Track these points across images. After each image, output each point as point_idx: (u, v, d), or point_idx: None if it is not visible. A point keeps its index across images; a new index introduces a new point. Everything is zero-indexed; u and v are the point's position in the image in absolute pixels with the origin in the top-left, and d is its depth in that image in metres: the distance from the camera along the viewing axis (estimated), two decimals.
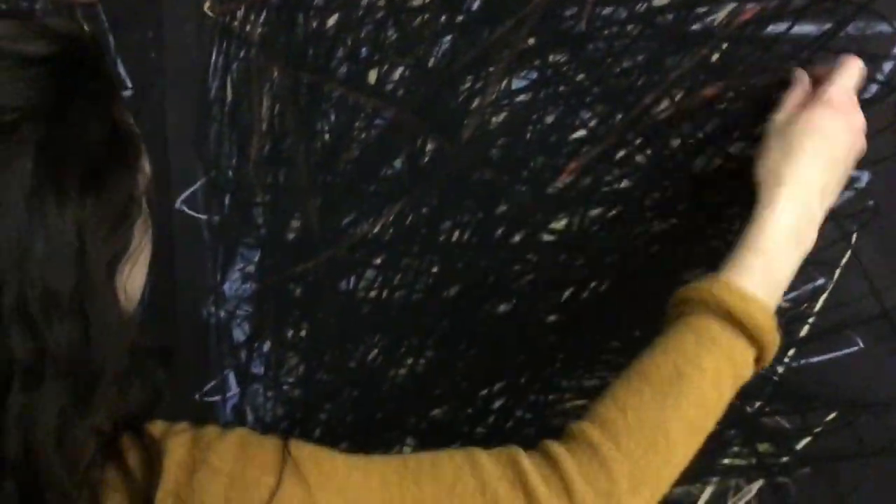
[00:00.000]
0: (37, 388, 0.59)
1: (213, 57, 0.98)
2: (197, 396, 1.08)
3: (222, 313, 1.06)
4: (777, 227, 0.72)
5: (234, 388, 1.08)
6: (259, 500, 0.63)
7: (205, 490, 0.63)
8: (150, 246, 0.72)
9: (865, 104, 0.80)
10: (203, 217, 1.03)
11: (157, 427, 0.66)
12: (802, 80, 0.78)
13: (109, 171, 0.64)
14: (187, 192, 1.02)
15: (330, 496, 0.64)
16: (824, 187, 0.74)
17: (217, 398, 1.08)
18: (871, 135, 0.81)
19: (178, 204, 1.02)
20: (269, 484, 0.63)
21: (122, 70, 0.99)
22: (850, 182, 0.83)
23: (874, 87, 0.81)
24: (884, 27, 0.80)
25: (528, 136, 0.91)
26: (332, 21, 0.93)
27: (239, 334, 1.07)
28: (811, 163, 0.73)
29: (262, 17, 0.95)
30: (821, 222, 0.74)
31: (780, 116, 0.76)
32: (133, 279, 0.68)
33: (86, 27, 0.97)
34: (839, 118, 0.74)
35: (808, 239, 0.73)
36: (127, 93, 1.00)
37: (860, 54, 0.80)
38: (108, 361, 0.62)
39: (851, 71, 0.76)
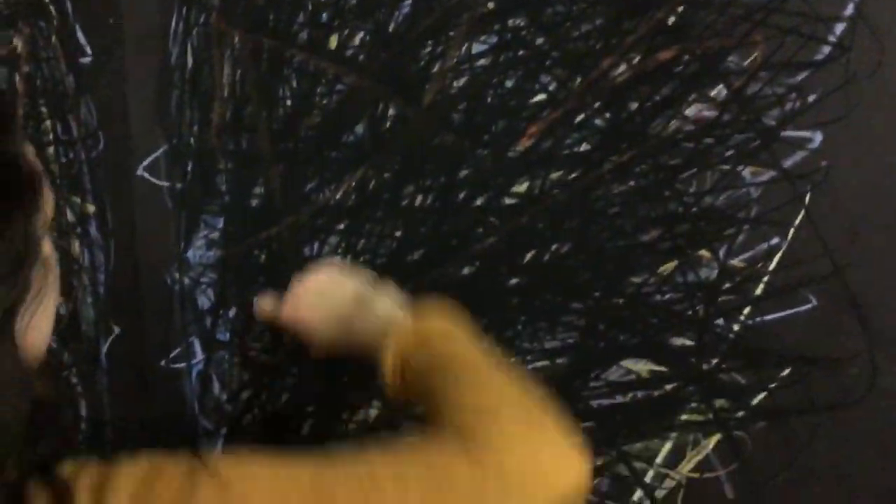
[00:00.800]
0: None
1: (174, 23, 0.97)
2: (163, 363, 1.08)
3: (186, 280, 1.06)
4: None
5: (199, 355, 1.08)
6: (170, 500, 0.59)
7: None
8: (56, 294, 0.67)
9: (817, 65, 0.82)
10: (165, 184, 1.03)
11: (65, 467, 0.61)
12: None
13: (1, 215, 0.59)
14: (149, 160, 1.02)
15: (248, 488, 0.60)
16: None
17: (183, 365, 1.08)
18: (823, 96, 0.83)
19: (139, 171, 1.02)
20: (177, 487, 0.59)
21: (81, 37, 0.99)
22: (803, 143, 0.84)
23: (826, 49, 0.83)
24: None
25: (489, 100, 0.92)
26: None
27: (204, 301, 1.07)
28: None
29: None
30: None
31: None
32: (35, 328, 0.63)
33: None
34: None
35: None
36: (86, 60, 0.99)
37: (813, 15, 0.82)
38: (8, 418, 0.59)
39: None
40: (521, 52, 0.90)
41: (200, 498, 0.59)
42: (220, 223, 1.04)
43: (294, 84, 0.96)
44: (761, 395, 0.91)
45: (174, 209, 1.04)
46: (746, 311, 0.90)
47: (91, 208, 1.04)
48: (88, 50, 0.99)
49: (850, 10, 0.81)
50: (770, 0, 0.83)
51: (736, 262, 0.89)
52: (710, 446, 0.94)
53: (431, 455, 0.64)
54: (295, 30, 0.94)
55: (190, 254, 1.06)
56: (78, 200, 1.03)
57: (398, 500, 0.61)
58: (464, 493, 0.63)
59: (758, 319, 0.90)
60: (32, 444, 0.60)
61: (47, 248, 0.64)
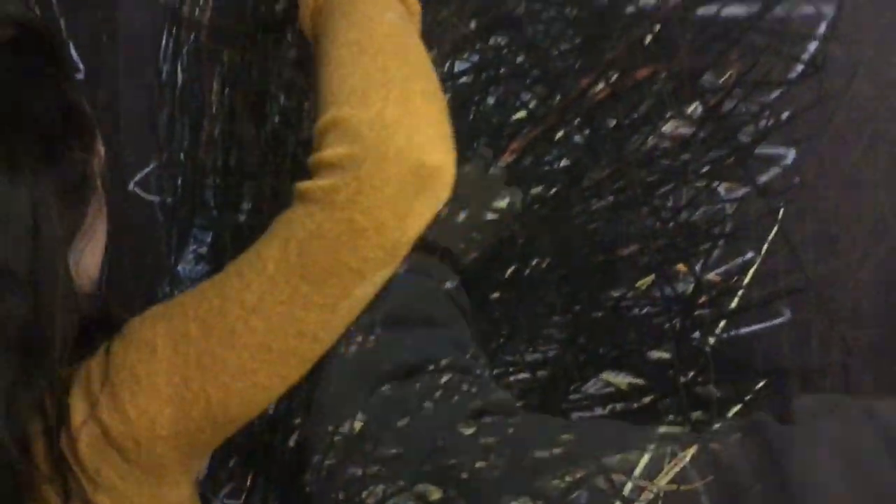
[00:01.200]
0: None
1: (164, 41, 0.99)
2: None
3: (176, 294, 1.08)
4: None
5: None
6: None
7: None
8: (105, 226, 0.74)
9: (790, 83, 0.84)
10: (156, 199, 1.04)
11: (63, 371, 0.67)
12: None
13: (63, 149, 0.66)
14: (140, 175, 1.04)
15: (146, 332, 0.66)
16: None
17: None
18: (797, 113, 0.84)
19: (131, 186, 1.04)
20: (99, 356, 0.66)
21: (73, 54, 1.01)
22: (777, 159, 0.86)
23: (799, 67, 0.84)
24: (809, 9, 0.83)
25: (471, 116, 0.93)
26: (280, 5, 0.95)
27: None
28: None
29: (212, 2, 0.97)
30: None
31: None
32: (88, 257, 0.70)
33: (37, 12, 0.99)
34: None
35: None
36: (79, 76, 1.01)
37: (786, 34, 0.83)
38: (58, 337, 0.64)
39: None
40: (501, 71, 0.92)
41: (111, 354, 0.65)
42: (209, 238, 1.05)
43: (282, 100, 0.98)
44: (737, 407, 0.92)
45: (164, 224, 1.05)
46: (722, 324, 0.91)
47: None
48: (81, 66, 1.01)
49: (822, 29, 0.83)
50: (745, 20, 0.85)
51: (712, 276, 0.90)
52: (688, 458, 0.95)
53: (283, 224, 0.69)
54: (283, 48, 0.96)
55: (180, 268, 1.07)
56: None
57: (264, 280, 0.65)
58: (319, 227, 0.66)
59: (733, 332, 0.91)
60: (71, 364, 0.66)
61: (100, 186, 0.71)
